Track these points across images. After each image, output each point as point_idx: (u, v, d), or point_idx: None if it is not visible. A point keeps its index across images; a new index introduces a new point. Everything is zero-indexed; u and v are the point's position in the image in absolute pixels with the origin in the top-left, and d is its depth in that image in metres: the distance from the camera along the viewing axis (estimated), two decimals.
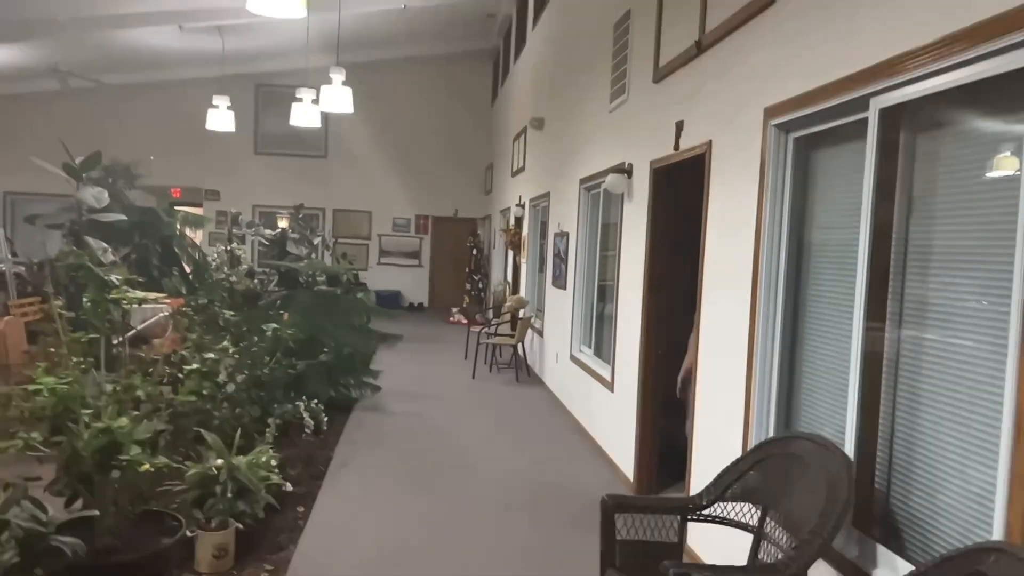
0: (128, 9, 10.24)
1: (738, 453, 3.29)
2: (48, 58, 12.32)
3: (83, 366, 3.00)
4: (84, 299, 3.30)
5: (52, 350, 3.11)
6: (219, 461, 4.00)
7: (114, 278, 3.17)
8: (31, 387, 2.73)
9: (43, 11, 10.02)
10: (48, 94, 14.16)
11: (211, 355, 3.96)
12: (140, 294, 3.27)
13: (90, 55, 12.47)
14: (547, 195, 9.09)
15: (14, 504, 2.44)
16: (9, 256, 10.60)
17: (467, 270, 15.67)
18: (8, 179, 14.46)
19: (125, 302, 3.23)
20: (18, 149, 13.71)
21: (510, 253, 12.39)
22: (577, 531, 4.37)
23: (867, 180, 2.57)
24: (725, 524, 2.81)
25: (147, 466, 2.79)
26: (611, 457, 5.72)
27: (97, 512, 2.72)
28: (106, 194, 4.13)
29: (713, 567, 2.52)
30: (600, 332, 6.67)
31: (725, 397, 3.67)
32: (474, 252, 15.68)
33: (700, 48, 4.14)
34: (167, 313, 4.92)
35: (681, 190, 4.72)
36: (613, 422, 5.72)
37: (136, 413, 3.11)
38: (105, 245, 3.57)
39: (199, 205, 15.51)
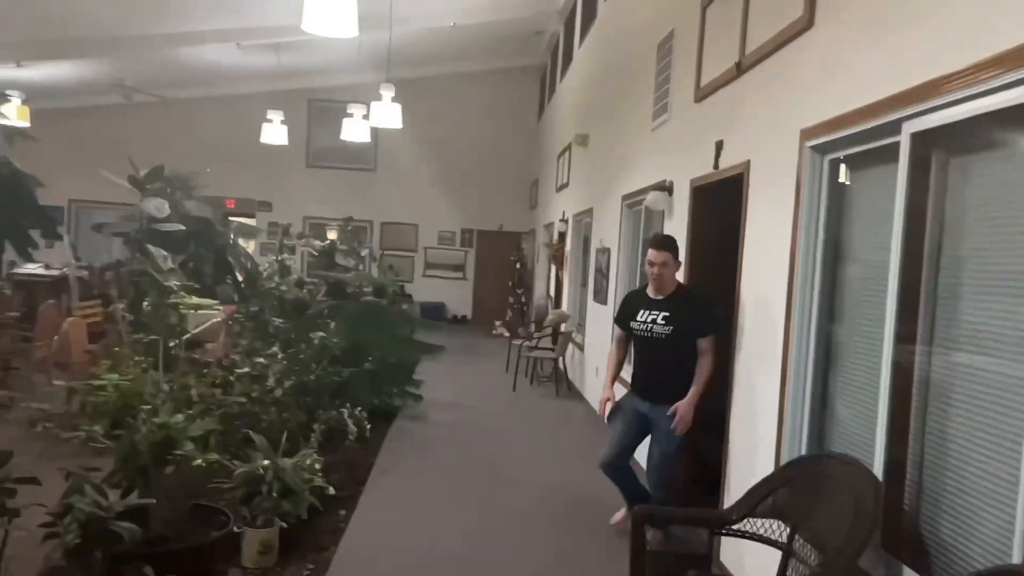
0: (190, 27, 10.68)
1: (770, 470, 3.32)
2: (113, 73, 12.86)
3: (143, 365, 3.20)
4: (145, 303, 3.50)
5: (115, 349, 3.31)
6: (266, 462, 4.16)
7: (173, 284, 3.37)
8: (96, 382, 2.92)
9: (109, 29, 10.51)
10: (113, 107, 14.77)
11: (261, 360, 4.14)
12: (196, 300, 3.46)
13: (153, 71, 13.00)
14: (590, 211, 9.18)
15: (77, 491, 2.62)
16: (74, 261, 11.08)
17: (510, 284, 15.80)
18: (73, 188, 15.07)
19: (182, 307, 3.43)
20: (84, 160, 14.33)
21: (553, 268, 12.49)
22: (613, 544, 4.43)
23: (898, 202, 2.62)
24: (754, 540, 2.86)
25: (199, 461, 2.95)
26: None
27: (153, 501, 2.89)
28: (166, 205, 4.36)
29: None
30: None
31: (758, 414, 3.71)
32: (517, 266, 15.82)
33: (740, 69, 4.21)
34: (220, 319, 5.14)
35: (720, 209, 4.78)
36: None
37: (190, 412, 3.29)
38: (165, 253, 3.78)
39: (252, 216, 15.96)
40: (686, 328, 4.23)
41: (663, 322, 4.26)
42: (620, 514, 4.64)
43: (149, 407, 3.00)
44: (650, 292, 4.39)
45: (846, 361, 3.11)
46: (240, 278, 8.87)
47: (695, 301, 4.38)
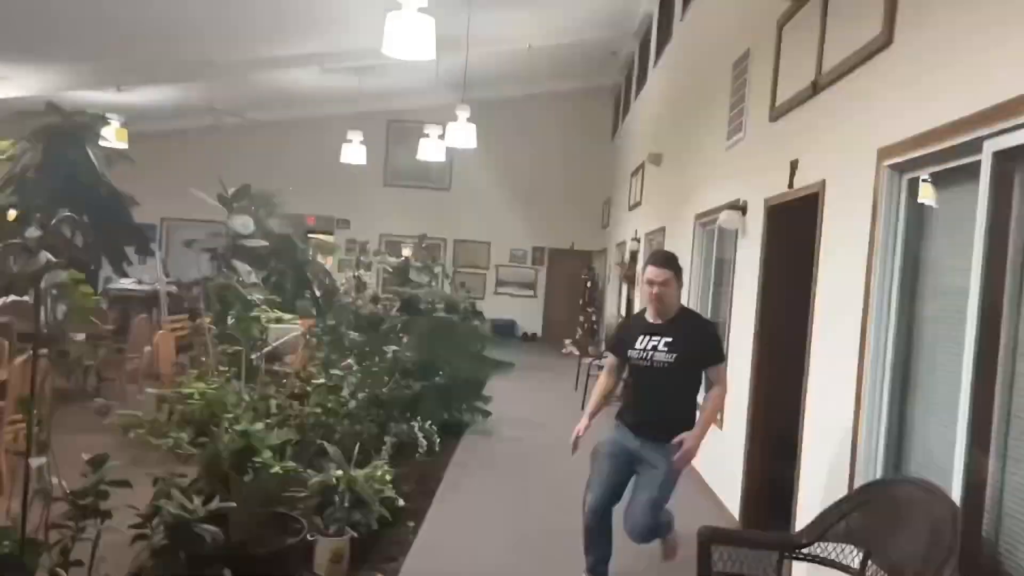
0: (278, 52, 11.15)
1: (843, 494, 3.24)
2: (205, 97, 13.52)
3: (227, 375, 3.36)
4: (229, 316, 3.67)
5: (202, 360, 3.48)
6: (339, 472, 4.28)
7: (257, 298, 3.53)
8: (185, 390, 3.09)
9: (204, 55, 11.07)
10: (203, 129, 15.48)
11: (337, 371, 4.28)
12: (278, 313, 3.61)
13: (242, 94, 13.60)
14: (662, 230, 9.12)
15: (165, 495, 2.77)
16: (164, 276, 11.64)
17: (581, 302, 15.78)
18: (165, 207, 15.83)
19: (265, 320, 3.59)
20: (174, 178, 15.07)
21: (624, 287, 12.42)
22: (680, 565, 4.37)
23: (979, 223, 2.54)
24: (825, 564, 2.79)
25: (277, 469, 3.08)
26: (717, 495, 5.66)
27: (233, 505, 3.02)
28: (251, 222, 4.58)
29: None
30: None
31: (832, 437, 3.62)
32: (588, 285, 15.79)
33: (816, 88, 4.16)
34: (299, 333, 5.33)
35: (795, 228, 4.70)
36: (721, 460, 5.67)
37: (269, 421, 3.43)
38: (249, 268, 3.98)
39: (330, 233, 16.43)
40: (692, 356, 3.78)
41: (665, 349, 3.76)
42: (663, 546, 4.15)
43: (231, 416, 3.15)
44: (649, 316, 3.91)
45: (924, 383, 3.02)
46: (318, 293, 9.17)
47: (701, 326, 4.03)
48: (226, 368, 3.42)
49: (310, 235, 12.10)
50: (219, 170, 9.34)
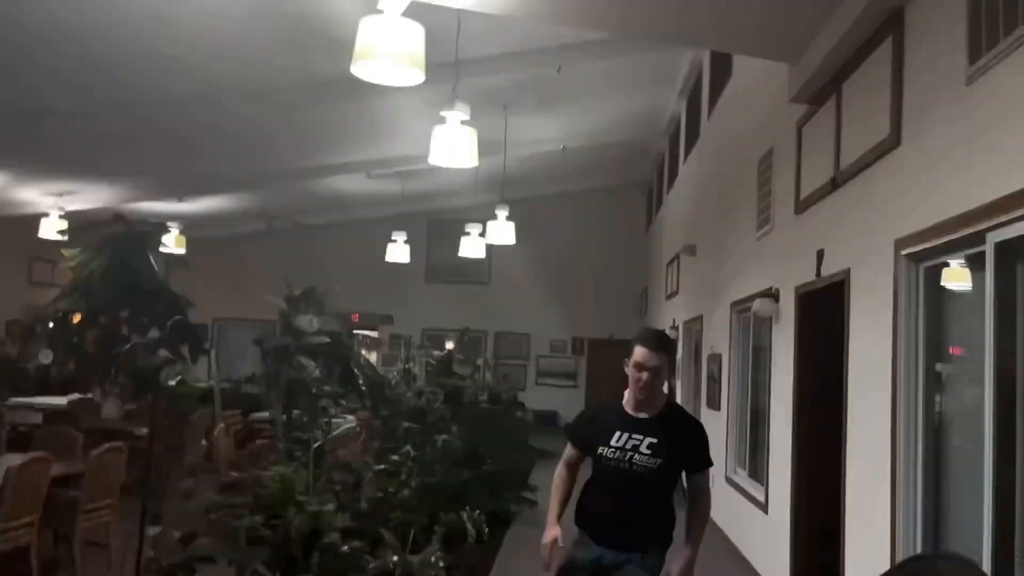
0: (328, 161, 11.89)
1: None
2: (257, 203, 14.32)
3: (300, 462, 3.64)
4: (295, 410, 3.98)
5: (276, 445, 3.77)
6: (395, 557, 4.47)
7: (325, 389, 3.85)
8: (266, 473, 3.38)
9: (258, 166, 11.85)
10: (254, 233, 16.29)
11: (396, 457, 4.52)
12: (345, 403, 3.91)
13: (292, 200, 14.39)
14: (699, 318, 9.34)
15: (249, 568, 3.02)
16: (217, 374, 12.08)
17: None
18: (216, 307, 16.50)
19: (332, 411, 3.89)
20: (226, 280, 15.80)
21: None
22: None
23: (988, 310, 2.77)
24: None
25: (345, 548, 3.31)
26: None
27: None
28: (316, 321, 4.94)
29: None
30: (754, 454, 6.71)
31: (872, 517, 3.74)
32: None
33: (835, 184, 4.47)
34: (354, 425, 5.62)
35: (826, 313, 4.92)
36: (767, 544, 5.71)
37: (334, 506, 3.68)
38: (312, 363, 4.31)
39: (374, 328, 16.90)
40: (679, 460, 3.19)
41: (648, 452, 3.10)
42: None
43: (303, 499, 3.41)
44: (629, 408, 3.24)
45: (952, 454, 3.17)
46: (363, 388, 9.50)
47: (689, 424, 3.41)
48: (296, 457, 3.70)
49: (355, 331, 12.55)
50: (269, 272, 9.87)
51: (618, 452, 3.16)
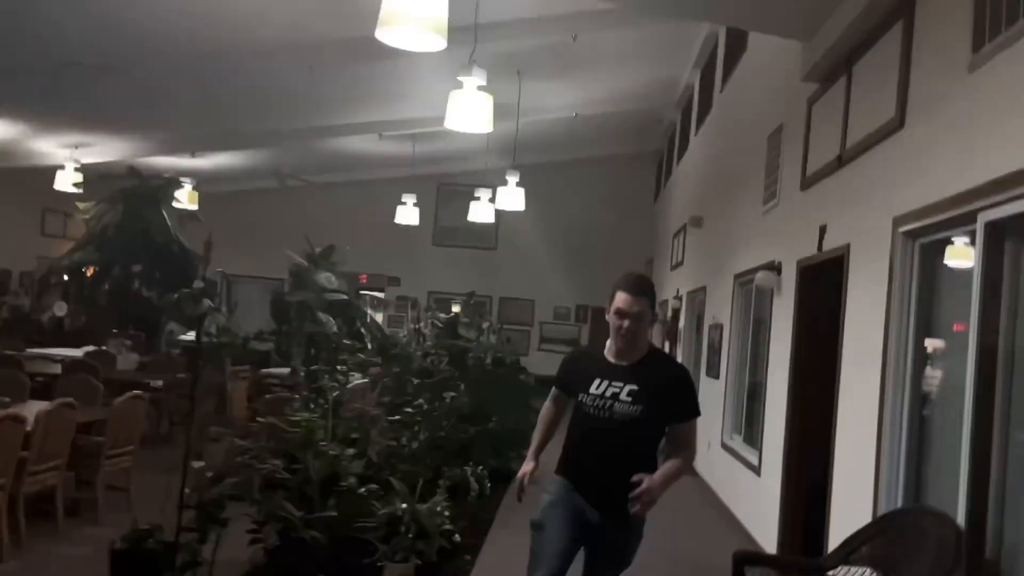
0: (341, 121, 12.00)
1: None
2: (271, 161, 14.44)
3: (323, 407, 3.86)
4: (316, 362, 4.17)
5: (295, 397, 3.99)
6: (404, 505, 4.71)
7: (345, 342, 4.05)
8: (292, 418, 3.60)
9: (273, 124, 11.96)
10: (266, 191, 16.42)
11: (409, 409, 4.74)
12: (363, 357, 4.12)
13: (303, 158, 14.51)
14: (703, 289, 9.52)
15: (276, 505, 3.24)
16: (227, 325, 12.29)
17: None
18: (227, 263, 16.68)
19: (350, 362, 4.09)
20: (237, 237, 15.94)
21: (666, 344, 12.76)
22: None
23: (975, 285, 2.94)
24: None
25: (363, 490, 3.53)
26: (756, 539, 5.92)
27: (334, 514, 3.46)
28: (334, 277, 5.11)
29: None
30: (750, 421, 6.94)
31: (858, 474, 3.95)
32: None
33: (841, 162, 4.61)
34: (366, 381, 5.84)
35: (825, 287, 5.09)
36: (759, 505, 5.95)
37: (352, 451, 3.91)
38: (332, 319, 4.49)
39: (381, 290, 17.12)
40: (663, 408, 3.03)
41: (629, 398, 2.98)
42: None
43: (324, 443, 3.63)
44: (610, 355, 3.13)
45: (935, 421, 3.37)
46: (369, 346, 9.74)
47: (674, 370, 3.33)
48: (316, 405, 3.91)
49: (361, 292, 12.75)
50: (281, 229, 10.07)
51: (598, 400, 3.03)
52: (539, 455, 3.34)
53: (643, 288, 3.09)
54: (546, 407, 3.42)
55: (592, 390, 3.05)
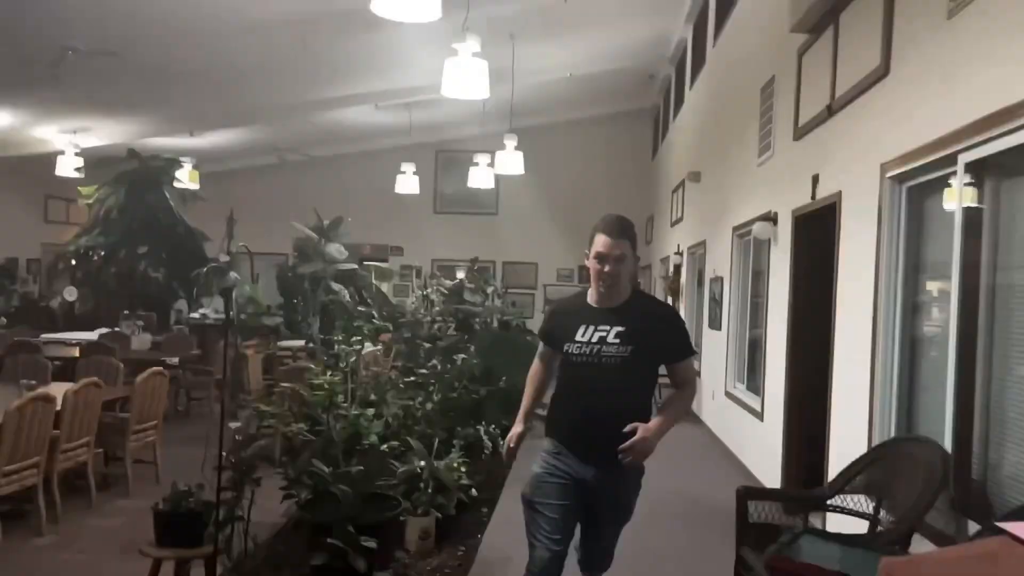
0: (336, 93, 12.03)
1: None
2: (269, 137, 14.50)
3: (344, 370, 4.05)
4: (334, 330, 4.34)
5: (312, 365, 4.17)
6: (422, 463, 4.93)
7: (360, 310, 4.21)
8: (315, 381, 3.78)
9: (268, 99, 12.00)
10: (265, 167, 16.50)
11: (423, 371, 4.93)
12: (379, 323, 4.30)
13: (301, 132, 14.54)
14: (703, 243, 9.66)
15: (308, 462, 3.45)
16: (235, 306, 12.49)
17: None
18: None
19: (366, 329, 4.27)
20: (240, 214, 16.02)
21: (669, 299, 12.93)
22: (726, 536, 4.89)
23: (956, 225, 3.09)
24: (845, 513, 3.32)
25: (385, 447, 3.73)
26: (760, 480, 6.15)
27: (361, 467, 3.66)
28: (344, 249, 5.26)
29: (815, 530, 3.07)
30: (752, 369, 7.13)
31: (854, 412, 4.15)
32: None
33: (831, 111, 4.72)
34: (378, 348, 6.03)
35: (820, 235, 5.23)
36: (762, 449, 6.17)
37: (371, 411, 4.10)
38: (344, 289, 4.66)
39: (385, 260, 17.26)
40: (652, 348, 2.90)
41: (616, 341, 2.85)
42: None
43: (345, 404, 3.82)
44: (592, 300, 2.99)
45: (924, 357, 3.54)
46: (375, 315, 9.94)
47: (661, 309, 3.24)
48: (335, 371, 4.10)
49: (365, 262, 12.91)
50: (282, 204, 10.16)
51: (585, 347, 2.89)
52: (529, 417, 3.23)
53: (624, 229, 2.94)
54: (534, 366, 3.25)
55: (578, 338, 2.90)
